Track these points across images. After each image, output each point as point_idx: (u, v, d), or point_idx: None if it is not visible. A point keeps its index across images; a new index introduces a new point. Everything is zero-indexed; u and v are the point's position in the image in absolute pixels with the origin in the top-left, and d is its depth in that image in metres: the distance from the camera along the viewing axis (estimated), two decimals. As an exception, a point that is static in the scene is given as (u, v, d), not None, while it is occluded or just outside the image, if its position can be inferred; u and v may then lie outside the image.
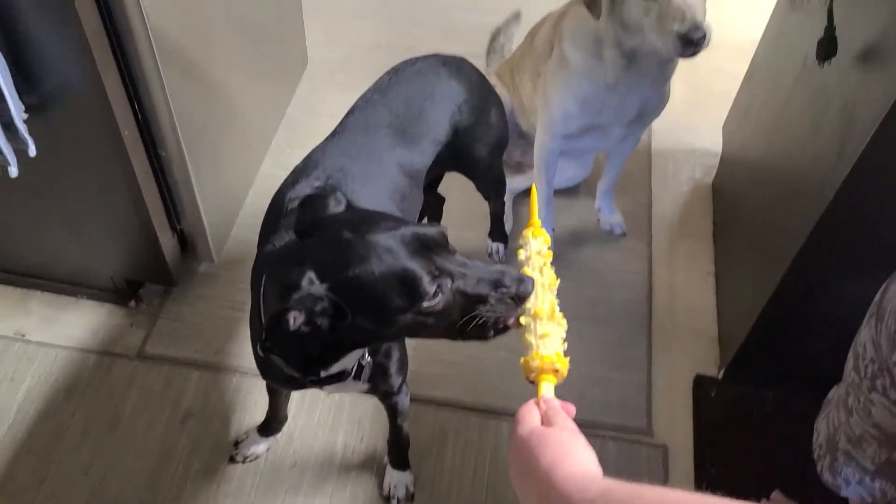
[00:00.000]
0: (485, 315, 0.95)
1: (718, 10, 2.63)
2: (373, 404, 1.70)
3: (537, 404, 0.86)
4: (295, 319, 0.91)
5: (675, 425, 1.72)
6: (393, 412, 1.46)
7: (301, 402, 1.70)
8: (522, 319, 0.96)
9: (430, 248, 0.95)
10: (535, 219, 1.07)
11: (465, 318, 0.95)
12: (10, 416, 1.66)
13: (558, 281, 1.01)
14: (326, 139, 1.40)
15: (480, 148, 1.58)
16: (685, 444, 1.69)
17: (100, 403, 1.69)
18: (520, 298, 0.95)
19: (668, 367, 1.82)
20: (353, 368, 1.17)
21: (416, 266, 0.92)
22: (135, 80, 1.43)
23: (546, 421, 0.83)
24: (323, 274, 0.92)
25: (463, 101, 1.49)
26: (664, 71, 1.66)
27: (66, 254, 1.77)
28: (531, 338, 0.94)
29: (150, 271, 1.79)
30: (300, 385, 1.23)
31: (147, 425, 1.66)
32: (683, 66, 2.49)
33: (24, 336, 1.79)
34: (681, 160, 2.26)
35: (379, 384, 1.29)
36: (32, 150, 1.38)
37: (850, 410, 1.19)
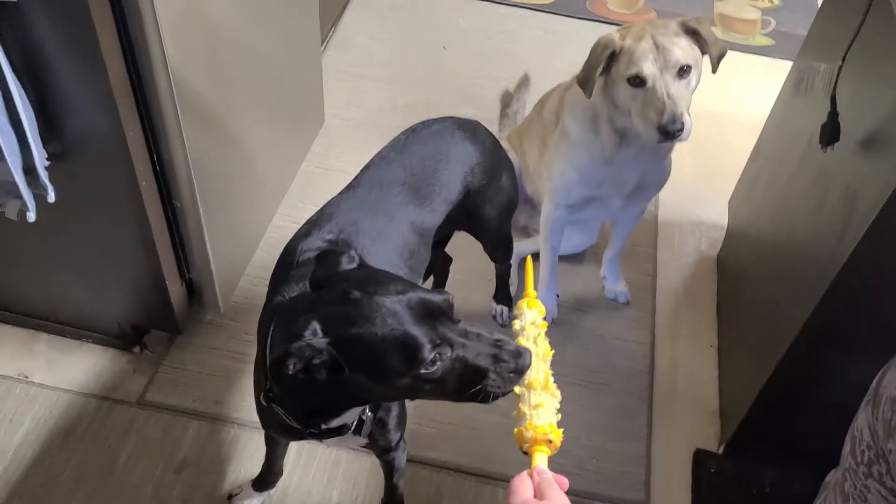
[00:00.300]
0: (482, 385, 0.96)
1: (729, 87, 2.70)
2: (369, 463, 1.69)
3: (531, 475, 0.86)
4: (294, 366, 0.93)
5: (674, 499, 1.70)
6: (389, 469, 1.46)
7: (297, 457, 1.69)
8: (517, 389, 0.98)
9: (435, 315, 0.96)
10: (531, 290, 1.09)
11: (462, 387, 0.96)
12: (7, 459, 1.66)
13: (552, 352, 1.03)
14: (341, 193, 1.43)
15: (490, 210, 1.61)
16: (683, 519, 1.67)
17: (96, 450, 1.68)
18: (518, 373, 0.96)
19: (668, 439, 1.80)
20: (353, 423, 1.17)
21: (418, 333, 0.94)
22: (155, 132, 1.47)
23: (539, 493, 0.83)
24: (327, 327, 0.94)
25: (476, 164, 1.53)
26: (659, 148, 1.69)
27: (74, 297, 1.79)
28: (525, 408, 0.95)
29: (156, 318, 1.80)
30: (300, 436, 1.23)
31: (142, 474, 1.65)
32: (692, 141, 2.53)
33: (27, 377, 1.80)
34: (687, 232, 2.28)
35: (377, 439, 1.29)
36: (52, 197, 1.42)
37: (846, 496, 1.18)
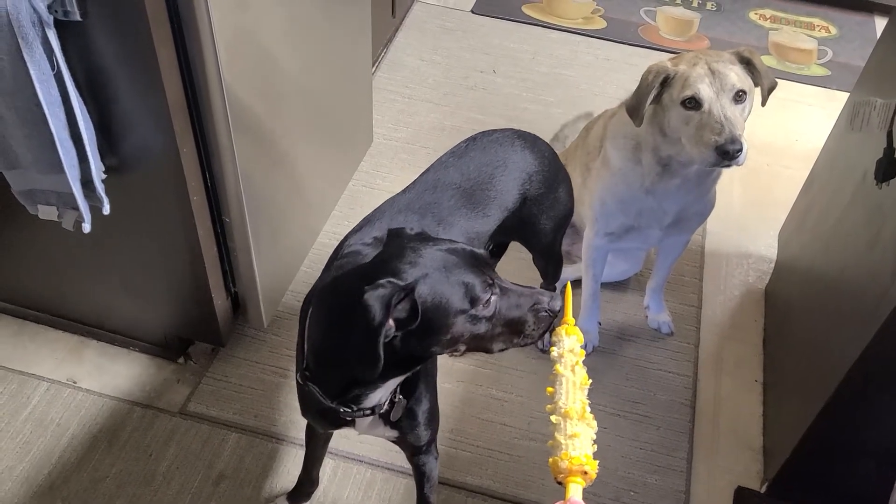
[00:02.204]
0: (523, 327, 1.09)
1: (783, 117, 2.66)
2: (403, 484, 1.69)
3: None
4: (386, 308, 0.99)
5: (713, 538, 1.66)
6: (421, 478, 1.45)
7: (332, 475, 1.70)
8: (553, 419, 0.97)
9: (483, 264, 1.09)
10: (569, 317, 1.09)
11: (506, 329, 1.09)
12: (52, 462, 1.70)
13: (590, 381, 1.01)
14: (398, 193, 1.46)
15: (546, 220, 1.62)
16: (722, 559, 1.63)
17: (138, 457, 1.71)
18: (552, 311, 1.11)
19: (709, 475, 1.76)
20: (385, 403, 1.21)
21: (475, 274, 1.06)
22: (208, 149, 1.51)
23: None
24: (402, 274, 1.03)
25: (535, 172, 1.55)
26: (705, 180, 1.67)
27: (122, 306, 1.84)
28: (561, 438, 0.94)
29: (201, 330, 1.84)
30: (335, 423, 1.27)
31: (181, 484, 1.68)
32: (743, 170, 2.50)
33: (75, 382, 1.85)
34: (734, 263, 2.24)
35: (406, 432, 1.31)
36: (107, 209, 1.46)
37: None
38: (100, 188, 1.44)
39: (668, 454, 1.79)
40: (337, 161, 2.24)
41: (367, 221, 1.39)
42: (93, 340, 1.93)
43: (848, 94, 1.92)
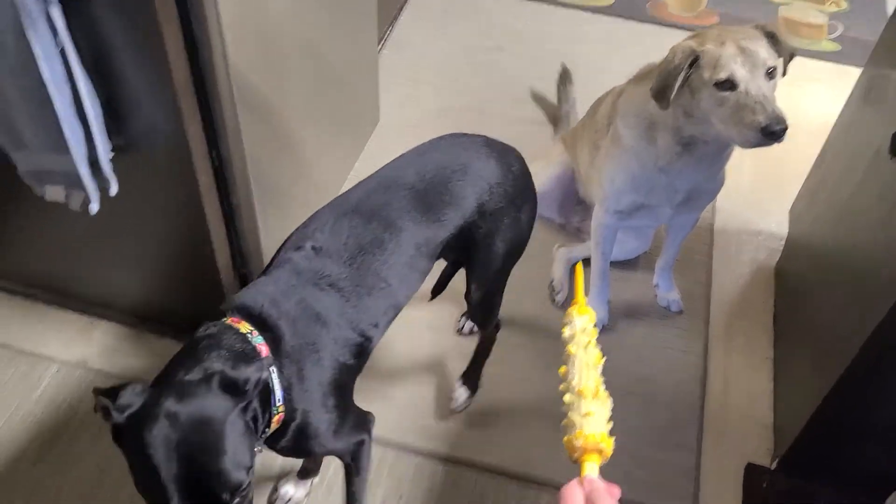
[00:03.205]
0: None
1: (793, 93, 2.63)
2: (415, 462, 1.69)
3: (581, 484, 0.85)
4: None
5: (723, 514, 1.66)
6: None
7: (343, 453, 1.71)
8: (567, 398, 0.96)
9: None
10: (581, 296, 1.08)
11: None
12: (65, 442, 1.70)
13: (604, 359, 1.01)
14: (349, 190, 1.39)
15: (499, 243, 1.45)
16: (732, 535, 1.63)
17: (149, 437, 1.72)
18: None
19: (719, 452, 1.76)
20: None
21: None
22: (215, 129, 1.50)
23: (589, 503, 0.82)
24: None
25: (496, 183, 1.40)
26: (719, 158, 1.66)
27: (131, 288, 1.84)
28: (575, 417, 0.94)
29: (209, 311, 1.83)
30: None
31: (192, 463, 1.68)
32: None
33: (86, 363, 1.85)
34: (744, 240, 2.23)
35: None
36: (114, 189, 1.45)
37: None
38: (107, 168, 1.43)
39: (678, 431, 1.79)
40: (344, 142, 2.22)
41: (311, 220, 1.32)
42: (102, 321, 1.94)
43: (859, 70, 1.90)
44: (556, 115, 2.45)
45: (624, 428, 1.76)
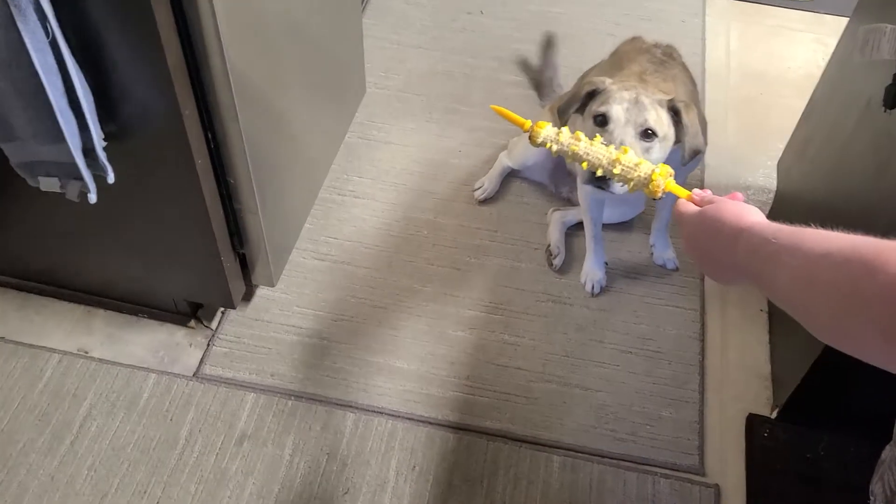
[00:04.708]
0: None
1: (773, 45, 2.64)
2: (425, 433, 1.72)
3: (689, 200, 0.94)
4: None
5: (728, 465, 1.71)
6: None
7: (354, 428, 1.72)
8: (616, 170, 1.02)
9: None
10: (522, 119, 1.07)
11: None
12: (73, 432, 1.70)
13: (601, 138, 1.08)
14: None
15: None
16: (737, 483, 1.68)
17: (158, 423, 1.72)
18: None
19: (721, 405, 1.81)
20: None
21: None
22: (210, 111, 1.47)
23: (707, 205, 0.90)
24: None
25: None
26: None
27: (129, 273, 1.82)
28: (637, 172, 1.02)
29: (210, 293, 1.83)
30: None
31: (203, 446, 1.69)
32: (737, 100, 2.50)
33: (87, 353, 1.84)
34: (734, 195, 2.25)
35: None
36: (111, 177, 1.43)
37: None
38: (102, 156, 1.40)
39: (680, 387, 1.83)
40: (333, 114, 2.20)
41: None
42: (100, 310, 1.92)
43: (834, 18, 1.90)
44: (539, 80, 2.44)
45: (627, 386, 1.82)
